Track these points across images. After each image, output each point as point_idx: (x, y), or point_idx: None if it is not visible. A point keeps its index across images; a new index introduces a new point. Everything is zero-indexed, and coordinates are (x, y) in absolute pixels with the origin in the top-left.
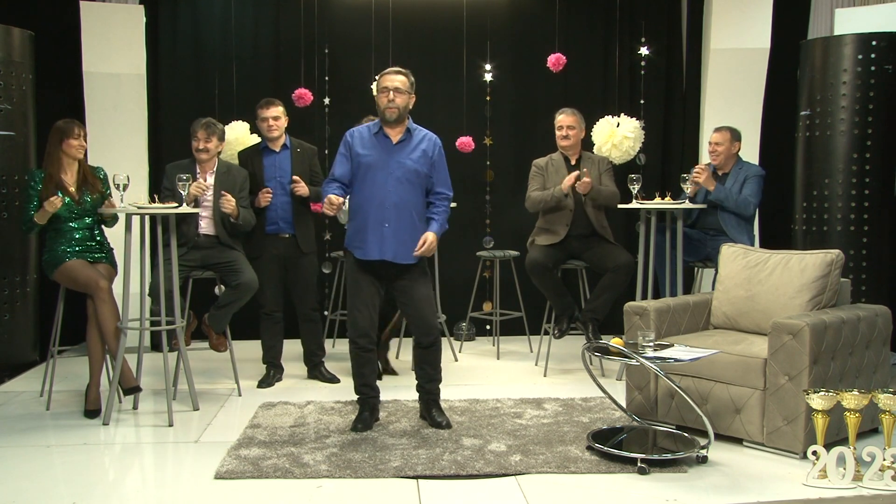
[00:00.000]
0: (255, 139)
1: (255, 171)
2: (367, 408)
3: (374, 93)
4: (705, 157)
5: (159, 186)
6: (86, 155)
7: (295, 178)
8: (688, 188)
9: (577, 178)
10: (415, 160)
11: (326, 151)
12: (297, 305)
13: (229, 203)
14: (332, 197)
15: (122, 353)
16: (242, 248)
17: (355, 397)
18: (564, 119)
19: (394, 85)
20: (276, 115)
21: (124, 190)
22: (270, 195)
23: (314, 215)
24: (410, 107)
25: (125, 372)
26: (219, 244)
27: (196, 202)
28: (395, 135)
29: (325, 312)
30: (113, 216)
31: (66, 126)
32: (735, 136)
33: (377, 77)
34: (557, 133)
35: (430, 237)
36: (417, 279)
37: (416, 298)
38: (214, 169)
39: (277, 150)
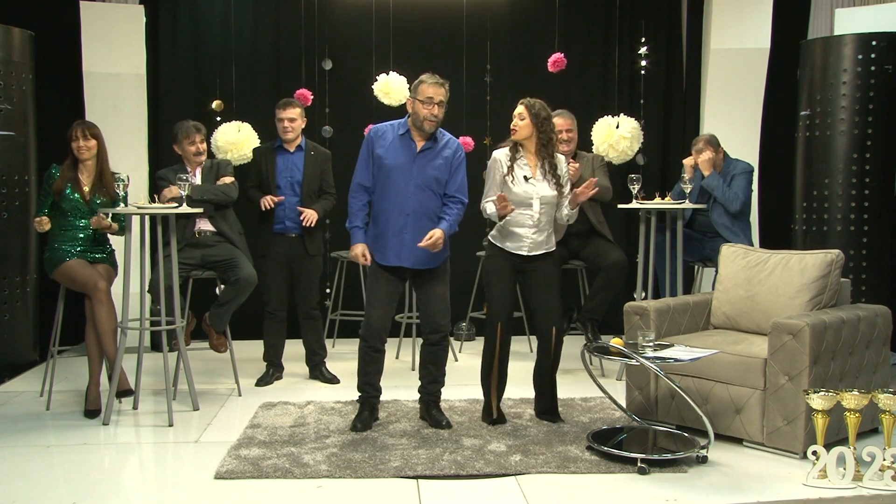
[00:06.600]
0: (257, 140)
1: (268, 169)
2: (367, 407)
3: (409, 95)
4: None
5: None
6: (106, 158)
7: (301, 210)
8: (685, 176)
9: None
10: (436, 167)
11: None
12: (299, 304)
13: (172, 195)
14: (362, 249)
15: (120, 353)
16: (246, 245)
17: (356, 396)
18: (564, 123)
19: (439, 98)
20: (291, 117)
21: (124, 190)
22: (273, 203)
23: (322, 218)
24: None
25: (119, 374)
26: (219, 241)
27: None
28: (420, 140)
29: (327, 303)
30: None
31: (73, 126)
32: (714, 144)
33: (419, 82)
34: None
35: (437, 233)
36: (437, 277)
37: (431, 295)
38: (202, 166)
39: (292, 150)
